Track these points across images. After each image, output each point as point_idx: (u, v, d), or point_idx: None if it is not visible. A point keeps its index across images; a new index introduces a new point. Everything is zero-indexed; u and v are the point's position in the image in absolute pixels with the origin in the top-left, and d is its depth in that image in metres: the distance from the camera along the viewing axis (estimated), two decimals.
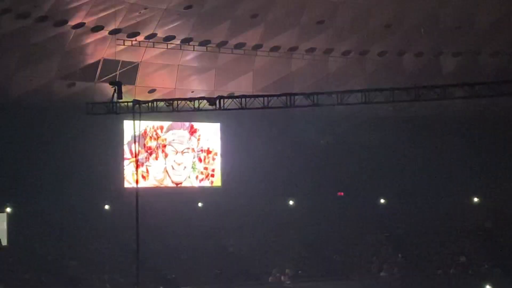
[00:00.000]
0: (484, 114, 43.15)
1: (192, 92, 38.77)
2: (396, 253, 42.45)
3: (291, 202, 44.06)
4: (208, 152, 42.69)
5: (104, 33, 34.64)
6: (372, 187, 44.38)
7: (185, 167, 42.08)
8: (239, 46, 38.13)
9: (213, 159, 42.79)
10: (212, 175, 42.82)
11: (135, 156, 28.80)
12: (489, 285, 38.16)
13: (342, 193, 45.10)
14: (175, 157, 41.83)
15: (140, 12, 34.26)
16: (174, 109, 29.06)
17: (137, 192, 25.03)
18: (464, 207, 45.51)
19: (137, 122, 27.20)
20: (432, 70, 41.24)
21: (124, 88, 28.66)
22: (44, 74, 35.47)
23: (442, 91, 26.25)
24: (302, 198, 43.81)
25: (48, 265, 36.61)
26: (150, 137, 40.94)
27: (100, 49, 35.69)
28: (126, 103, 29.05)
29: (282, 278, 39.50)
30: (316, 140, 43.67)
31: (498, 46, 41.13)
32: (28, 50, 33.75)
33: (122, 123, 39.10)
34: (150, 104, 28.88)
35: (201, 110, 28.91)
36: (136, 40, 35.90)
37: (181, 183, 41.98)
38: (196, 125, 42.28)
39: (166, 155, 41.48)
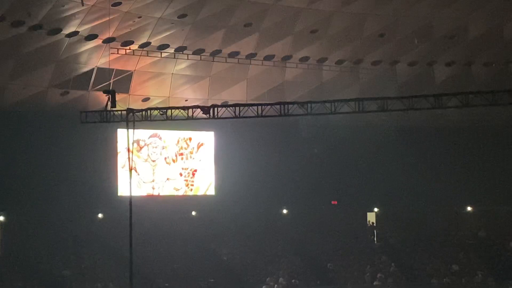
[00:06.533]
0: (478, 123, 43.27)
1: (186, 100, 38.82)
2: (389, 262, 42.46)
3: (284, 211, 44.07)
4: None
5: (98, 41, 34.67)
6: (366, 196, 44.42)
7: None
8: (233, 55, 38.21)
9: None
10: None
11: (129, 165, 28.80)
12: None
13: (336, 202, 45.11)
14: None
15: (134, 21, 34.31)
16: (168, 117, 29.05)
17: (130, 201, 24.92)
18: (457, 216, 45.61)
19: (130, 130, 27.13)
20: (425, 80, 41.38)
21: (117, 97, 28.61)
22: (38, 82, 35.47)
23: (435, 100, 26.31)
24: (295, 206, 43.83)
25: (41, 273, 36.51)
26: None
27: (94, 57, 35.72)
28: (119, 112, 29.02)
29: (276, 287, 39.45)
30: (310, 149, 43.71)
31: (491, 56, 41.30)
32: (22, 58, 33.75)
33: (115, 132, 39.09)
34: (144, 112, 28.84)
35: (195, 118, 28.91)
36: (130, 49, 35.93)
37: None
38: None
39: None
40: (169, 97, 38.99)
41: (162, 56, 37.14)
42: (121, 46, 35.54)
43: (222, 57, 38.11)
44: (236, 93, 39.79)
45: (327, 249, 43.15)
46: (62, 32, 33.26)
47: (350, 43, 39.33)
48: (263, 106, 28.06)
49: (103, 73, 36.14)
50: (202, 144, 42.73)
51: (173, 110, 29.10)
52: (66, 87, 36.45)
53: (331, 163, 44.02)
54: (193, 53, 37.50)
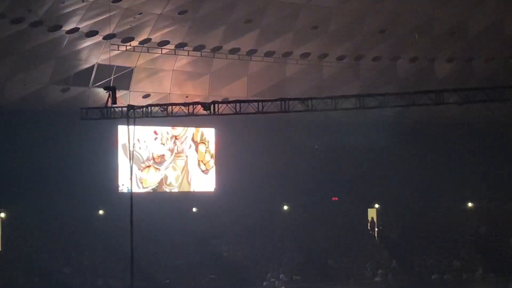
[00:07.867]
0: (478, 119, 43.23)
1: (187, 97, 38.76)
2: (390, 258, 42.47)
3: (285, 207, 44.06)
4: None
5: (99, 38, 34.63)
6: (367, 192, 44.41)
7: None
8: (234, 51, 38.15)
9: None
10: None
11: (130, 161, 28.83)
12: None
13: (337, 198, 45.11)
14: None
15: (134, 17, 34.27)
16: (169, 114, 29.03)
17: (131, 197, 24.91)
18: (458, 213, 45.60)
19: (131, 127, 27.15)
20: (426, 76, 41.34)
21: (118, 93, 28.58)
22: (38, 79, 35.45)
23: (436, 96, 26.26)
24: (296, 203, 43.82)
25: (42, 270, 36.53)
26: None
27: (94, 54, 35.69)
28: (120, 108, 29.02)
29: (277, 283, 39.46)
30: (311, 145, 43.68)
31: (492, 51, 41.26)
32: (22, 55, 33.73)
33: (116, 128, 39.06)
34: (144, 109, 28.83)
35: (196, 115, 28.89)
36: (130, 45, 35.90)
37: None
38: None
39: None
40: (169, 93, 38.96)
41: (163, 52, 37.11)
42: (122, 42, 35.50)
43: (223, 54, 38.08)
44: (236, 90, 39.75)
45: (328, 245, 43.14)
46: (62, 28, 33.22)
47: (350, 39, 39.27)
48: (263, 103, 28.05)
49: (104, 69, 36.10)
50: (202, 141, 42.72)
51: (173, 107, 29.09)
52: (67, 83, 36.43)
53: (332, 160, 43.99)
54: (194, 50, 37.47)
